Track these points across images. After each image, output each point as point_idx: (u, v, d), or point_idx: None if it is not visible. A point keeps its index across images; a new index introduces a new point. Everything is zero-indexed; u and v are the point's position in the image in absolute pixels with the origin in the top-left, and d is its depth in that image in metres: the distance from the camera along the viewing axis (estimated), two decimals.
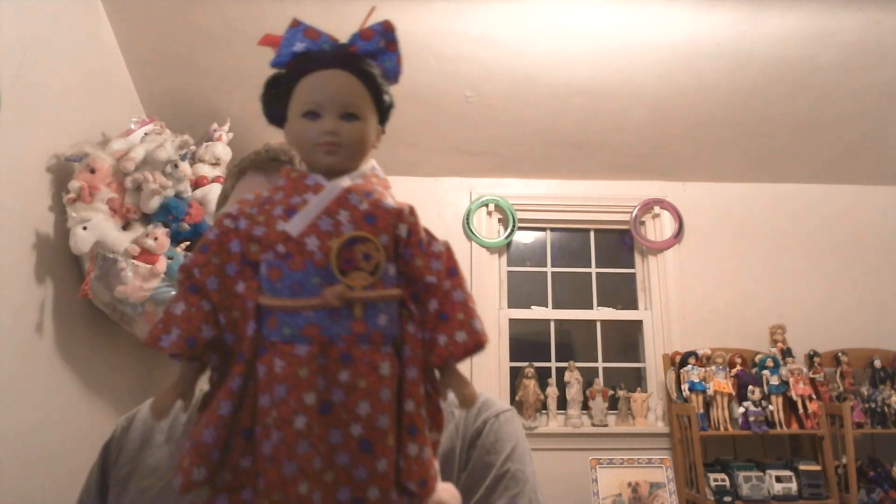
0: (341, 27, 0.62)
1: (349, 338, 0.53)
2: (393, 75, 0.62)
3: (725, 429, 2.82)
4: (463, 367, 0.57)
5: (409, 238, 0.58)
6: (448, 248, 0.60)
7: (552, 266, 3.35)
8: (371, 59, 0.61)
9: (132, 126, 2.19)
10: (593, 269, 3.36)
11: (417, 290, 0.58)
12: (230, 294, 0.56)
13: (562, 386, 3.06)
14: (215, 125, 2.57)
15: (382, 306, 0.55)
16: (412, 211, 0.59)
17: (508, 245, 3.30)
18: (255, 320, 0.54)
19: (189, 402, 0.56)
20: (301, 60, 0.59)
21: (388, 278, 0.56)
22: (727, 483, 2.70)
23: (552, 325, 3.26)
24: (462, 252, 3.16)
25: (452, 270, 0.59)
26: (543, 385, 3.05)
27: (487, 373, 3.02)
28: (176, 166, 2.13)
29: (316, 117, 0.58)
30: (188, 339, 0.54)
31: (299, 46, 0.60)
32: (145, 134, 2.17)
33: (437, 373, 0.58)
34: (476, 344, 0.56)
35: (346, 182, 0.58)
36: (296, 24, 0.60)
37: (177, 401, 0.54)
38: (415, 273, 0.57)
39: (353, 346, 0.53)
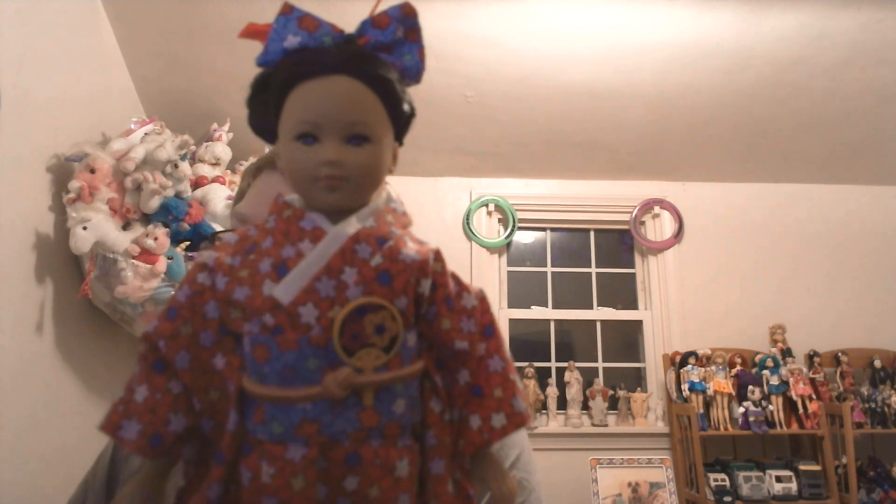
0: (342, 22, 0.51)
1: (357, 434, 0.41)
2: (414, 74, 0.50)
3: (725, 429, 2.82)
4: None
5: (434, 293, 0.46)
6: (482, 299, 0.48)
7: (552, 266, 3.35)
8: (386, 53, 0.48)
9: (132, 126, 2.19)
10: (593, 269, 3.36)
11: (444, 357, 0.46)
12: (206, 371, 0.44)
13: (562, 386, 3.05)
14: (215, 125, 2.57)
15: (399, 389, 0.43)
16: (438, 256, 0.47)
17: (508, 245, 3.29)
18: (237, 409, 0.43)
19: None
20: (294, 60, 0.47)
21: (407, 351, 0.44)
22: (727, 483, 2.70)
23: (552, 325, 3.25)
24: (462, 252, 3.16)
25: (488, 329, 0.47)
26: (543, 385, 3.05)
27: None
28: (176, 166, 2.12)
29: (313, 141, 0.45)
30: (151, 438, 0.42)
31: (292, 41, 0.47)
32: (145, 134, 2.17)
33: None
34: (517, 428, 0.45)
35: (353, 226, 0.45)
36: (287, 11, 0.47)
37: None
38: (441, 337, 0.46)
39: (362, 443, 0.41)
